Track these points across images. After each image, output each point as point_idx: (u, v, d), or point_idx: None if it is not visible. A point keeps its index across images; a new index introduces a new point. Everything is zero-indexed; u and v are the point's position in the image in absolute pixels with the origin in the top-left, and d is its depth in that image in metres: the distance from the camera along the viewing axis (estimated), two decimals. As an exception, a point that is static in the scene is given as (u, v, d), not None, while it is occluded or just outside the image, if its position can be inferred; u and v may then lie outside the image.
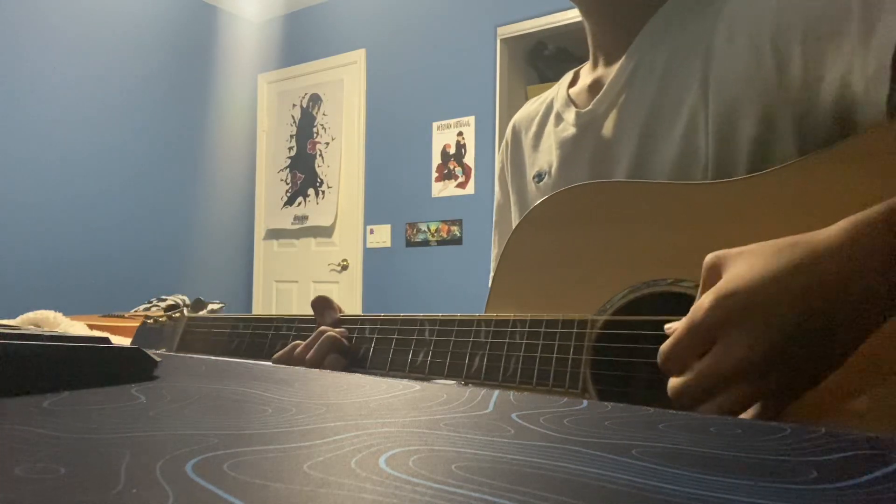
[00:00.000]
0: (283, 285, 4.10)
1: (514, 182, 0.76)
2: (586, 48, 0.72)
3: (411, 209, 3.52)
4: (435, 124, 3.44)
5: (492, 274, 0.75)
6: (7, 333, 0.36)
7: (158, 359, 0.39)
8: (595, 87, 0.67)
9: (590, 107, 0.65)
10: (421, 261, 3.48)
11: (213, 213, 4.03)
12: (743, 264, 0.37)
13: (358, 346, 0.64)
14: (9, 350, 0.32)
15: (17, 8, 3.10)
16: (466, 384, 0.57)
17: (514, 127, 0.78)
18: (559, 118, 0.70)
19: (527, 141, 0.75)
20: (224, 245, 4.10)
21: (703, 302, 0.37)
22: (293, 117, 4.10)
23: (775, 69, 0.51)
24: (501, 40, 3.25)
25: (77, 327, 1.61)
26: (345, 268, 3.78)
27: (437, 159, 3.44)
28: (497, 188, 0.82)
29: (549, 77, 3.43)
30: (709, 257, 0.40)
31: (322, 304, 0.68)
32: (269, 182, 4.18)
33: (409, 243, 3.53)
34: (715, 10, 0.58)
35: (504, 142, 0.80)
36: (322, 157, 3.94)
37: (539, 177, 0.70)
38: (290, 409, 0.28)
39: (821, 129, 0.49)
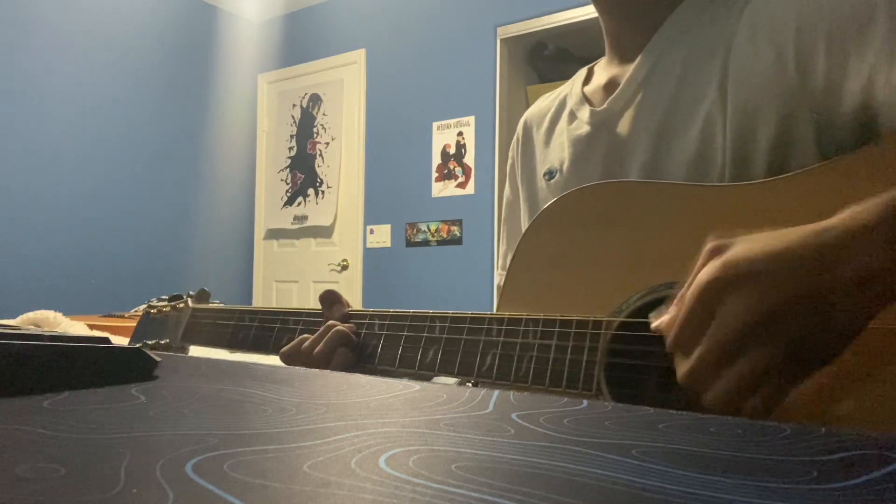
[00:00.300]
0: (283, 285, 4.10)
1: (524, 178, 0.76)
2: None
3: (411, 209, 3.52)
4: (435, 124, 3.44)
5: (497, 271, 0.74)
6: (7, 333, 0.36)
7: (158, 359, 0.39)
8: (611, 85, 0.67)
9: (605, 105, 0.65)
10: (421, 261, 3.48)
11: (213, 213, 4.03)
12: (744, 244, 0.38)
13: (367, 342, 0.63)
14: (9, 350, 0.32)
15: (18, 8, 3.10)
16: (477, 383, 0.57)
17: (525, 123, 0.78)
18: (573, 116, 0.69)
19: (538, 137, 0.74)
20: (224, 245, 4.10)
21: (704, 276, 0.38)
22: (293, 117, 4.10)
23: (797, 72, 0.51)
24: (501, 40, 3.25)
25: (77, 327, 1.61)
26: (345, 268, 3.78)
27: (437, 159, 3.43)
28: (507, 184, 0.81)
29: (549, 77, 3.43)
30: (711, 243, 0.40)
31: (330, 299, 0.67)
32: (269, 182, 4.18)
33: (409, 243, 3.53)
34: (736, 10, 0.57)
35: (515, 137, 0.79)
36: (322, 157, 3.94)
37: (550, 174, 0.70)
38: (290, 409, 0.28)
39: (841, 134, 0.49)
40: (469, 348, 0.57)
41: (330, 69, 3.93)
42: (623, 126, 0.63)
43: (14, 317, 1.65)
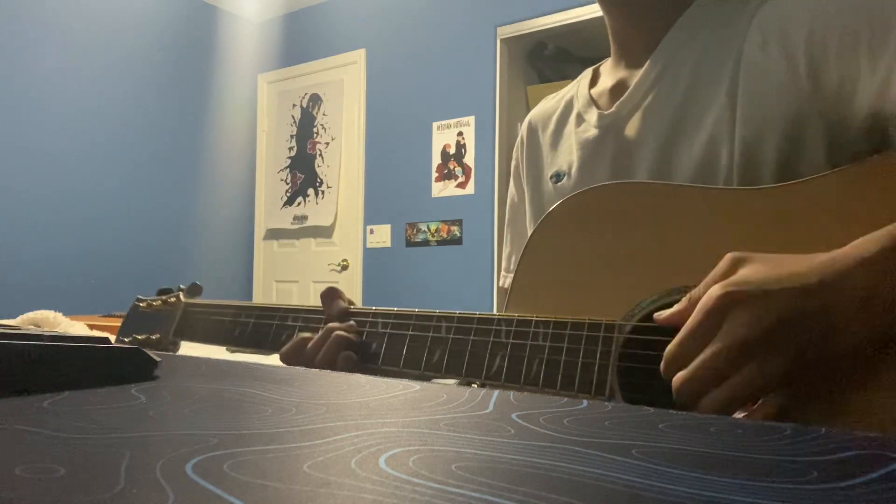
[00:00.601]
0: (283, 285, 4.10)
1: (530, 180, 0.75)
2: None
3: (411, 209, 3.52)
4: (435, 124, 3.44)
5: (501, 273, 0.74)
6: (7, 333, 0.36)
7: (158, 359, 0.39)
8: (618, 88, 0.66)
9: (613, 108, 0.64)
10: (421, 261, 3.48)
11: (213, 213, 4.03)
12: (759, 265, 0.40)
13: (370, 341, 0.62)
14: (9, 350, 0.32)
15: (18, 8, 3.10)
16: (485, 385, 0.56)
17: (530, 124, 0.77)
18: (580, 118, 0.69)
19: (545, 139, 0.74)
20: (224, 245, 4.10)
21: (714, 291, 0.39)
22: (293, 117, 4.10)
23: (808, 78, 0.51)
24: (501, 40, 3.25)
25: (77, 327, 1.61)
26: (345, 268, 3.78)
27: (437, 159, 3.43)
28: (511, 185, 0.80)
29: (549, 77, 3.43)
30: (730, 254, 0.42)
31: (331, 295, 0.67)
32: (269, 182, 4.18)
33: (409, 243, 3.53)
34: (747, 16, 0.56)
35: (519, 139, 0.79)
36: (322, 157, 3.94)
37: (557, 177, 0.69)
38: (290, 409, 0.28)
39: (851, 142, 0.48)
40: (477, 349, 0.55)
41: (330, 69, 3.93)
42: (631, 129, 0.62)
43: (14, 317, 1.65)
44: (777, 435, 0.24)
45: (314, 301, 0.70)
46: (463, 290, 3.25)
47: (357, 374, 0.40)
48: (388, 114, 3.65)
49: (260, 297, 4.18)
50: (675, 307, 0.43)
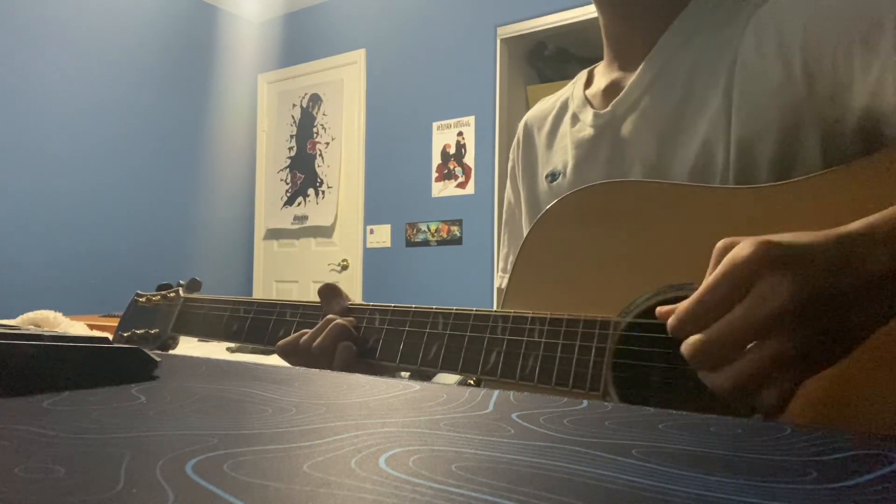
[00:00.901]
0: (283, 285, 4.10)
1: (525, 180, 0.75)
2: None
3: (411, 209, 3.52)
4: (435, 124, 3.44)
5: (498, 273, 0.74)
6: (7, 333, 0.36)
7: (158, 359, 0.39)
8: (612, 88, 0.67)
9: (608, 108, 0.65)
10: (421, 261, 3.48)
11: (213, 213, 4.03)
12: (779, 235, 0.37)
13: (367, 337, 0.63)
14: (9, 350, 0.32)
15: (18, 8, 3.10)
16: (480, 381, 0.56)
17: (526, 125, 0.78)
18: (576, 118, 0.69)
19: (540, 139, 0.74)
20: (224, 245, 4.09)
21: (743, 249, 0.35)
22: (293, 117, 4.10)
23: (804, 80, 0.51)
24: (501, 40, 3.25)
25: (77, 327, 1.61)
26: (345, 268, 3.78)
27: (437, 159, 3.43)
28: (508, 186, 0.81)
29: (549, 77, 3.43)
30: (722, 241, 0.38)
31: (329, 292, 0.67)
32: (269, 182, 4.18)
33: (409, 243, 3.53)
34: (743, 19, 0.57)
35: (516, 139, 0.79)
36: (322, 157, 3.94)
37: (553, 176, 0.69)
38: (290, 409, 0.28)
39: (847, 143, 0.49)
40: (473, 345, 0.56)
41: (330, 69, 3.93)
42: (626, 129, 0.62)
43: (14, 317, 1.65)
44: (777, 435, 0.24)
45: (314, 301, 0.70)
46: (463, 290, 3.25)
47: (357, 374, 0.40)
48: (388, 114, 3.65)
49: (260, 297, 4.18)
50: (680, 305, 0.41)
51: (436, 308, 0.60)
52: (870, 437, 0.23)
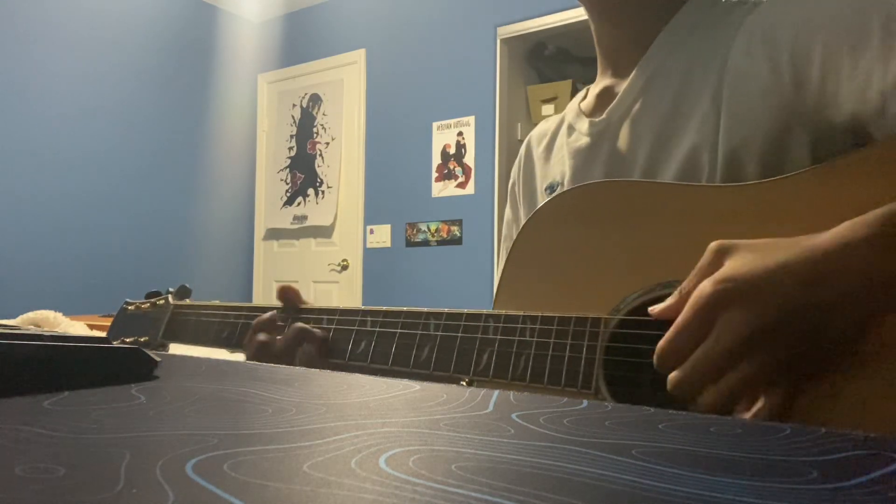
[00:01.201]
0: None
1: (525, 196, 0.76)
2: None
3: (411, 209, 3.52)
4: (435, 124, 3.44)
5: (496, 283, 0.74)
6: (7, 333, 0.36)
7: (158, 359, 0.39)
8: (605, 94, 0.67)
9: (603, 115, 0.65)
10: (421, 261, 3.48)
11: (213, 213, 4.03)
12: (746, 255, 0.40)
13: (359, 339, 0.63)
14: (9, 350, 0.32)
15: (18, 8, 3.10)
16: (473, 381, 0.56)
17: (527, 144, 0.79)
18: (571, 129, 0.70)
19: (537, 154, 0.75)
20: (224, 245, 4.10)
21: (705, 288, 0.39)
22: (293, 117, 4.10)
23: (792, 83, 0.51)
24: (501, 40, 3.25)
25: (77, 327, 1.61)
26: (345, 268, 3.78)
27: (437, 159, 3.43)
28: (507, 205, 0.81)
29: (549, 77, 3.43)
30: (714, 244, 0.42)
31: (286, 295, 0.69)
32: (269, 182, 4.18)
33: (409, 243, 3.53)
34: (734, 23, 0.57)
35: (518, 159, 0.80)
36: (322, 157, 3.94)
37: (551, 188, 0.70)
38: (290, 409, 0.28)
39: (836, 147, 0.49)
40: (465, 346, 0.56)
41: (330, 69, 3.93)
42: (622, 136, 0.63)
43: (14, 317, 1.65)
44: (777, 435, 0.24)
45: (314, 302, 0.71)
46: (463, 290, 3.25)
47: (357, 374, 0.40)
48: (388, 114, 3.65)
49: (260, 298, 4.18)
50: (667, 301, 0.43)
51: (427, 309, 0.60)
52: (870, 437, 0.23)
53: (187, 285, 0.85)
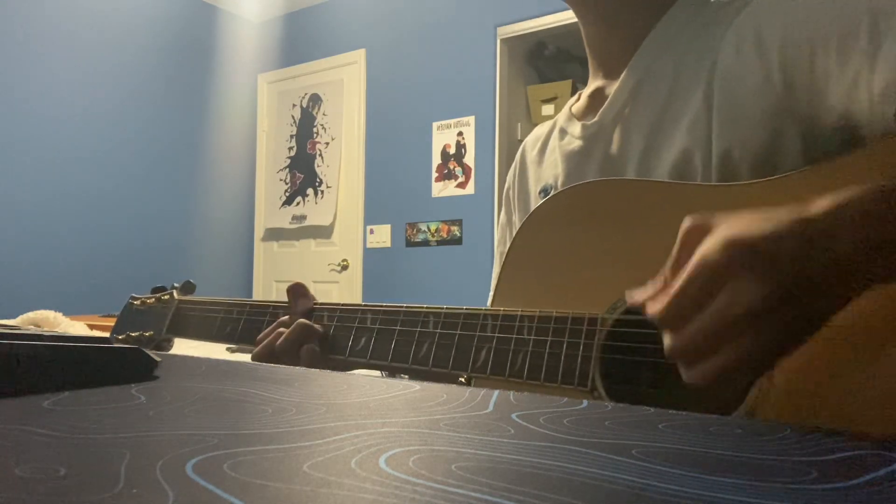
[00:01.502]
0: (284, 285, 4.08)
1: (520, 200, 0.76)
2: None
3: (411, 209, 3.52)
4: (435, 124, 3.44)
5: (492, 290, 0.74)
6: (7, 333, 0.36)
7: (158, 359, 0.39)
8: (597, 96, 0.67)
9: (596, 118, 0.65)
10: (421, 261, 3.48)
11: (213, 213, 4.03)
12: (738, 221, 0.38)
13: (359, 336, 0.64)
14: (9, 350, 0.32)
15: (17, 8, 3.10)
16: (471, 378, 0.57)
17: (522, 148, 0.79)
18: (563, 132, 0.70)
19: (531, 158, 0.75)
20: (224, 245, 4.10)
21: (711, 250, 0.37)
22: (293, 117, 4.10)
23: (782, 83, 0.51)
24: (501, 40, 3.25)
25: (77, 327, 1.61)
26: (345, 268, 3.78)
27: (437, 159, 3.43)
28: (502, 210, 0.82)
29: (549, 77, 3.43)
30: (689, 219, 0.40)
31: (296, 292, 0.69)
32: (269, 182, 4.18)
33: (409, 243, 3.53)
34: (724, 23, 0.57)
35: (513, 164, 0.80)
36: (322, 157, 3.94)
37: (545, 191, 0.70)
38: (290, 409, 0.28)
39: (828, 147, 0.49)
40: (463, 343, 0.57)
41: (330, 69, 3.93)
42: (615, 139, 0.63)
43: (14, 317, 1.65)
44: (777, 435, 0.24)
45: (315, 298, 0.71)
46: (463, 290, 3.25)
47: (357, 374, 0.40)
48: (388, 114, 3.65)
49: (260, 297, 4.18)
50: (648, 287, 0.41)
51: (426, 307, 0.60)
52: (870, 437, 0.23)
53: (192, 281, 0.85)
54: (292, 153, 4.09)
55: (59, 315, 1.62)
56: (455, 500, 0.16)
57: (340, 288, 3.79)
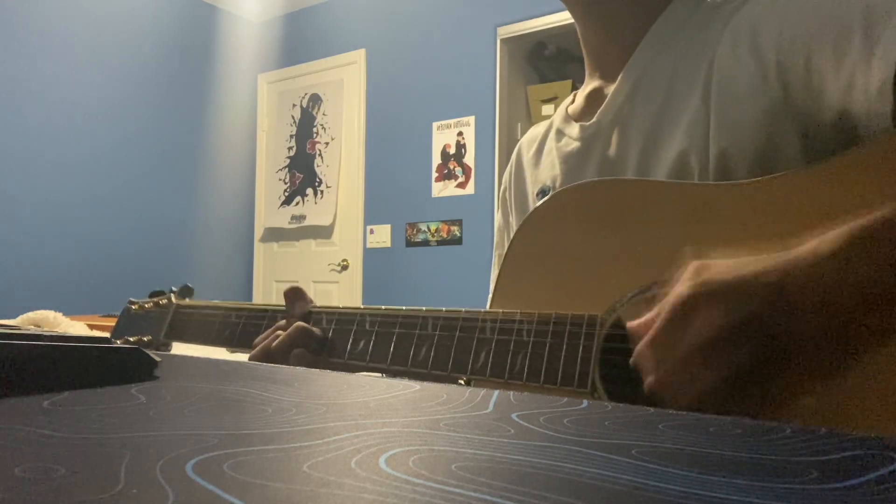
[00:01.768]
0: (284, 285, 4.08)
1: (517, 202, 0.76)
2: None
3: (411, 209, 3.52)
4: (435, 124, 3.44)
5: (491, 291, 0.74)
6: (7, 333, 0.36)
7: (158, 359, 0.39)
8: (594, 96, 0.67)
9: (594, 119, 0.65)
10: (421, 261, 3.48)
11: (213, 213, 4.03)
12: (721, 266, 0.41)
13: (357, 339, 0.64)
14: (9, 350, 0.32)
15: (17, 8, 3.10)
16: (470, 380, 0.57)
17: (518, 150, 0.79)
18: (560, 134, 0.69)
19: (527, 159, 0.75)
20: (224, 245, 4.10)
21: (681, 291, 0.41)
22: (293, 117, 4.10)
23: (778, 82, 0.51)
24: (501, 40, 3.25)
25: (77, 327, 1.61)
26: (345, 268, 3.78)
27: (437, 159, 3.43)
28: (499, 212, 0.81)
29: (549, 77, 3.43)
30: (695, 263, 0.43)
31: (293, 295, 0.69)
32: (268, 182, 4.18)
33: (409, 243, 3.53)
34: (720, 22, 0.57)
35: (509, 165, 0.80)
36: (322, 157, 3.94)
37: (543, 193, 0.70)
38: (290, 409, 0.28)
39: (825, 146, 0.49)
40: (463, 345, 0.57)
41: (330, 69, 3.93)
42: (613, 140, 0.63)
43: (14, 317, 1.65)
44: (777, 435, 0.24)
45: (314, 301, 0.71)
46: (463, 290, 3.25)
47: (357, 374, 0.40)
48: (388, 114, 3.65)
49: (260, 298, 4.18)
50: (647, 315, 0.44)
51: (425, 310, 0.60)
52: (870, 437, 0.23)
53: (190, 284, 0.85)
54: (292, 153, 4.09)
55: (59, 315, 1.62)
56: (455, 500, 0.16)
57: (340, 288, 3.79)
